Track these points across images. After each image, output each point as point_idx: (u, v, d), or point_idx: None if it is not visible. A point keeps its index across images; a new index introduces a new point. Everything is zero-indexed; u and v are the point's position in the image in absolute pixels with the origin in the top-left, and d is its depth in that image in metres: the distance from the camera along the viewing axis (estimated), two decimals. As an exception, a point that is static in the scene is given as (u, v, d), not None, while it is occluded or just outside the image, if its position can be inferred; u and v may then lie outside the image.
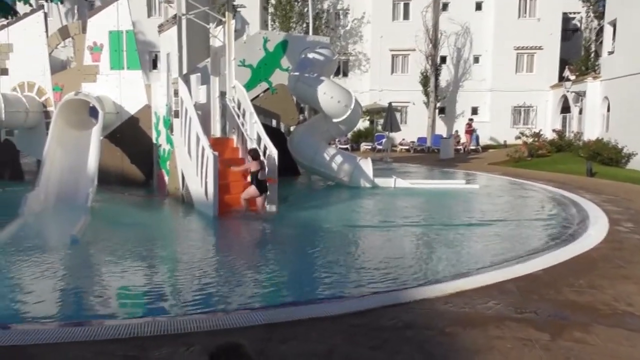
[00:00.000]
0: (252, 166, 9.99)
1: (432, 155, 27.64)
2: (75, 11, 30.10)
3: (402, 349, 4.05)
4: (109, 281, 6.14)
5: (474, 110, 32.63)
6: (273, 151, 10.49)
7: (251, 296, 5.62)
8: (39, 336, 4.16)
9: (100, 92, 12.78)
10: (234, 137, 12.07)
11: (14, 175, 13.71)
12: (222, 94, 12.40)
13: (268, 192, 10.19)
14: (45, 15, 14.06)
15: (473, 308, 4.93)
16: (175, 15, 10.97)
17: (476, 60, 32.50)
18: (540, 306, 5.01)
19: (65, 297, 5.56)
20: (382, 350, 4.04)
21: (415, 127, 31.48)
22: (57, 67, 14.60)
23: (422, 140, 30.99)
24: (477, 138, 29.84)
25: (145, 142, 13.03)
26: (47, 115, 13.22)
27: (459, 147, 28.15)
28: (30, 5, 24.61)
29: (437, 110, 32.03)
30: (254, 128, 11.15)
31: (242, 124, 11.42)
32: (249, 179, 10.15)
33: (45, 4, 25.31)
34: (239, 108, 11.73)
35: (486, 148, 29.73)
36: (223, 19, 11.73)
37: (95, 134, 11.28)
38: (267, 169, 10.27)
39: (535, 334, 4.36)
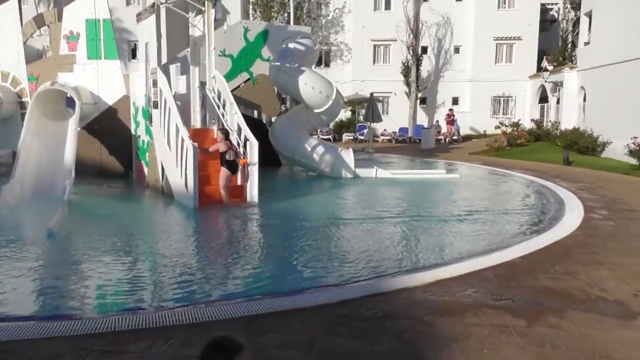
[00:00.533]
0: (221, 146, 10.00)
1: (413, 145, 27.81)
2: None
3: (382, 339, 4.09)
4: (85, 275, 6.05)
5: (455, 101, 32.85)
6: (254, 142, 10.43)
7: (230, 288, 5.61)
8: (13, 332, 4.10)
9: (77, 82, 12.53)
10: (214, 128, 11.95)
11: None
12: (202, 84, 12.26)
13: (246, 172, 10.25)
14: (20, 3, 13.69)
15: (451, 296, 5.01)
16: (154, 3, 10.78)
17: (457, 50, 32.65)
18: (517, 293, 5.11)
19: (40, 292, 5.47)
20: (362, 340, 4.08)
21: (396, 117, 31.58)
22: (33, 56, 14.26)
23: (403, 130, 31.12)
24: (458, 128, 30.11)
25: (124, 133, 12.83)
26: (22, 106, 12.92)
27: (439, 137, 28.35)
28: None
29: (418, 101, 32.15)
30: (234, 119, 11.06)
31: (223, 115, 11.32)
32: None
33: (18, -9, 24.59)
34: (219, 98, 11.62)
35: (467, 138, 30.01)
36: (203, 8, 11.55)
37: (72, 125, 11.09)
38: (236, 150, 10.26)
39: (511, 320, 4.45)
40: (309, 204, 10.83)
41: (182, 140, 9.87)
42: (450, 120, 28.92)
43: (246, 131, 10.61)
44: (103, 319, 4.39)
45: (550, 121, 25.95)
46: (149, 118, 11.41)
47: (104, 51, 12.57)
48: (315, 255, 6.75)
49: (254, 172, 10.38)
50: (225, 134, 10.29)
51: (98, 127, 12.91)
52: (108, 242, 7.29)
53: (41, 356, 3.73)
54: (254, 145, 10.40)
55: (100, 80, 12.67)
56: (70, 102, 12.15)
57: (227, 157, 10.02)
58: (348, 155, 14.32)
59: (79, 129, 11.94)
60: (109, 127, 12.86)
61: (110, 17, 12.63)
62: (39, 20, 13.98)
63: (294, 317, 4.55)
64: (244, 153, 10.41)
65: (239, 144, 10.52)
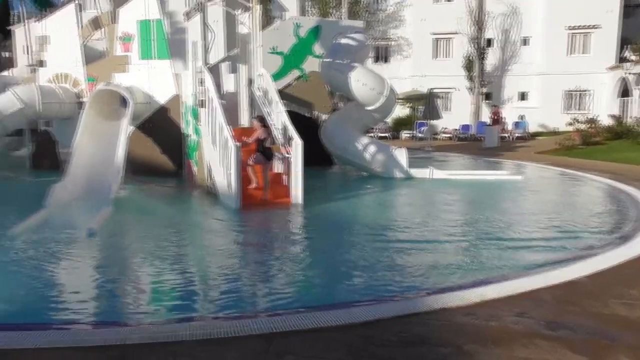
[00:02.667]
0: (260, 134, 10.04)
1: (475, 143, 26.45)
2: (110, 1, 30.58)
3: (410, 370, 3.57)
4: (109, 280, 5.87)
5: (522, 96, 31.02)
6: (298, 141, 10.07)
7: (253, 300, 5.25)
8: (21, 340, 3.94)
9: (130, 82, 12.75)
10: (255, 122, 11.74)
11: (52, 165, 13.93)
12: (250, 83, 12.07)
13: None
14: (80, 7, 14.15)
15: (498, 321, 4.36)
16: (201, 2, 10.70)
17: (525, 42, 30.78)
18: (579, 322, 4.37)
19: (60, 296, 5.35)
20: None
21: (458, 114, 30.27)
22: (96, 57, 14.68)
23: (465, 127, 29.77)
24: (525, 125, 28.37)
25: (175, 132, 12.93)
26: (81, 106, 13.32)
27: (504, 135, 26.79)
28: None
29: (482, 96, 30.65)
30: (280, 117, 10.77)
31: (269, 113, 11.05)
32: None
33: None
34: (265, 97, 11.37)
35: (535, 135, 28.21)
36: (249, 5, 11.35)
37: (124, 125, 11.23)
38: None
39: (571, 357, 3.76)
40: (356, 207, 10.31)
41: (226, 140, 9.69)
42: (497, 118, 26.41)
43: (291, 130, 10.28)
44: (111, 331, 4.15)
45: (632, 117, 23.76)
46: (196, 117, 11.36)
47: (155, 51, 12.70)
48: (352, 266, 6.25)
49: (299, 171, 10.02)
50: (261, 121, 10.21)
51: (151, 126, 13.08)
52: (142, 245, 7.19)
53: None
54: (298, 144, 10.04)
55: (152, 80, 12.81)
56: (124, 102, 12.36)
57: (266, 145, 9.99)
58: (401, 155, 13.65)
59: (132, 128, 12.14)
60: (160, 126, 13.00)
61: (162, 18, 12.72)
62: (96, 23, 14.42)
63: (317, 337, 4.11)
64: (288, 153, 10.11)
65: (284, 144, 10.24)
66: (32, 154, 14.63)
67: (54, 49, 13.62)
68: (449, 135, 29.42)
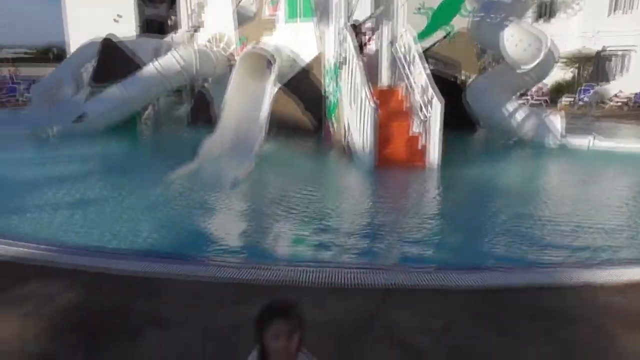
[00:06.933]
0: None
1: (655, 112, 22.73)
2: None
3: (536, 341, 3.25)
4: (250, 224, 6.33)
5: None
6: (438, 102, 9.61)
7: (376, 254, 5.22)
8: (170, 270, 4.39)
9: (277, 42, 13.27)
10: (401, 88, 11.44)
11: (207, 121, 15.30)
12: (392, 42, 11.76)
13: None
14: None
15: (654, 306, 3.75)
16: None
17: None
18: None
19: (202, 236, 5.93)
20: (509, 337, 3.30)
21: (636, 77, 26.16)
22: (246, 20, 15.56)
23: (642, 94, 25.66)
24: None
25: (316, 92, 13.22)
26: (232, 67, 14.29)
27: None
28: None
29: (669, 57, 26.02)
30: (421, 77, 10.35)
31: (409, 74, 10.70)
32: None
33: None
34: (407, 56, 11.00)
35: None
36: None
37: (269, 85, 11.80)
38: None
39: None
40: (497, 174, 9.61)
41: (364, 100, 9.64)
42: None
43: (432, 90, 9.83)
44: (244, 270, 4.44)
45: None
46: (337, 76, 11.46)
47: (301, 12, 12.98)
48: (484, 232, 5.90)
49: (437, 134, 9.61)
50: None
51: (294, 85, 13.53)
52: (271, 198, 7.61)
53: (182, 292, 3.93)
54: (438, 105, 9.59)
55: (297, 41, 13.17)
56: (271, 63, 12.95)
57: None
58: (556, 120, 12.27)
59: (277, 88, 12.71)
60: (303, 86, 13.38)
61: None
62: (247, -14, 15.15)
63: (435, 298, 3.96)
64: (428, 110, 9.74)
65: (423, 105, 9.90)
66: (190, 111, 16.18)
67: (210, 13, 14.71)
68: (621, 102, 25.63)
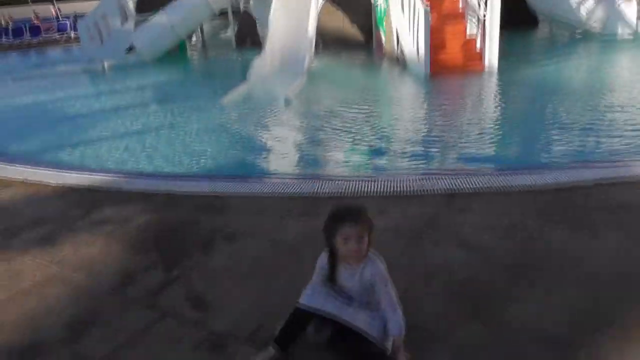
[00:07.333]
0: None
1: None
2: None
3: (608, 235, 3.15)
4: (307, 140, 6.35)
5: None
6: (496, -3, 8.88)
7: (435, 160, 5.13)
8: (235, 188, 4.51)
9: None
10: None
11: (253, 42, 15.06)
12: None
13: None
14: None
15: None
16: None
17: None
18: None
19: (262, 154, 6.00)
20: (579, 232, 3.22)
21: None
22: None
23: None
24: None
25: (365, 2, 12.58)
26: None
27: None
28: None
29: None
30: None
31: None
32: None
33: None
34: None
35: None
36: None
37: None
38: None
39: None
40: (561, 73, 8.99)
41: (415, 3, 9.07)
42: None
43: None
44: (303, 183, 4.50)
45: None
46: (385, -18, 10.80)
47: None
48: (549, 133, 5.61)
49: (494, 34, 8.99)
50: None
51: (340, -3, 12.93)
52: (326, 112, 7.52)
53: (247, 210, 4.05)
54: (496, 1, 8.88)
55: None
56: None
57: None
58: (629, 7, 11.12)
59: (322, 1, 12.16)
60: (350, -3, 12.76)
61: None
62: None
63: (499, 199, 3.87)
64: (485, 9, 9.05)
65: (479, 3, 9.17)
66: (236, 33, 15.92)
67: None
68: None
